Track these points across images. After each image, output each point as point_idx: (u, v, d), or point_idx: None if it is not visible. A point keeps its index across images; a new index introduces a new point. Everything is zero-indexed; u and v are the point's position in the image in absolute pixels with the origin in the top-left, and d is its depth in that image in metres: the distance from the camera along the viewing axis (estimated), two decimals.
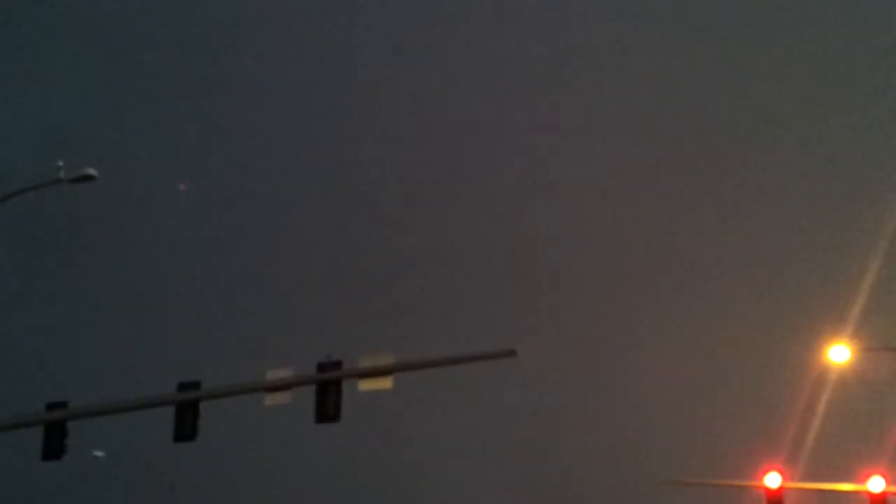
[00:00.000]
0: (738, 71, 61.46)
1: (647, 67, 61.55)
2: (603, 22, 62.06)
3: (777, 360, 48.52)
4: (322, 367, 22.07)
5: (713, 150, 61.87)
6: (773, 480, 32.60)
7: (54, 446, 23.00)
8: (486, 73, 61.80)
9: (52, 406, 23.30)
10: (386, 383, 21.76)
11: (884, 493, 30.76)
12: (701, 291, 59.50)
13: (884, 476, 31.06)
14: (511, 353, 22.26)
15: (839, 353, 30.48)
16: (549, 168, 61.75)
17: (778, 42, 61.75)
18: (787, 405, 43.97)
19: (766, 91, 61.08)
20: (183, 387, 22.81)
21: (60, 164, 22.77)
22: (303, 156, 61.10)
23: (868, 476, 31.20)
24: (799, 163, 60.72)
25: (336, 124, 60.14)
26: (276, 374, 22.33)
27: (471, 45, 61.21)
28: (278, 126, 61.46)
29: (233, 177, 60.66)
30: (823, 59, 60.72)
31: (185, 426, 22.57)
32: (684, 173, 61.69)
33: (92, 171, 22.82)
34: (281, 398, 22.22)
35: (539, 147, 61.91)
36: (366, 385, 21.82)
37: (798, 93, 60.84)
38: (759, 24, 62.01)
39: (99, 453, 36.92)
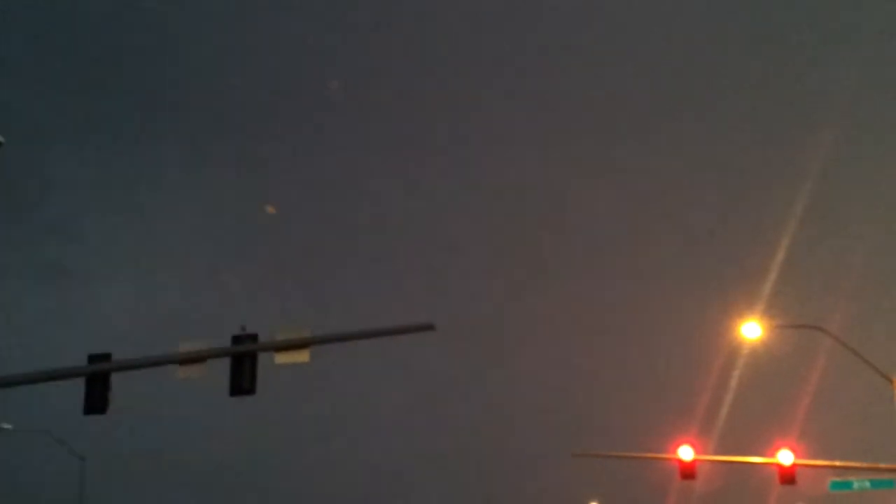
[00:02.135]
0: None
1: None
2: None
3: (690, 337, 49.23)
4: (237, 339, 21.68)
5: (631, 133, 62.29)
6: (686, 453, 33.08)
7: None
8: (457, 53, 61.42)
9: None
10: (303, 356, 21.47)
11: (793, 466, 31.40)
12: (616, 270, 60.05)
13: (793, 449, 31.71)
14: (429, 327, 22.11)
15: (751, 330, 30.91)
16: (460, 141, 61.67)
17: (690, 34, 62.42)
18: (700, 380, 44.67)
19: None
20: (93, 359, 22.25)
21: None
22: (230, 128, 60.21)
23: (778, 449, 31.82)
24: (709, 146, 61.50)
25: (256, 101, 59.27)
26: (189, 346, 21.84)
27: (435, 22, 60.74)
28: (205, 95, 60.34)
29: (157, 147, 59.54)
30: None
31: (96, 398, 22.02)
32: (603, 156, 62.02)
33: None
34: (195, 371, 21.75)
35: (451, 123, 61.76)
36: (282, 358, 21.49)
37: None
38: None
39: (6, 426, 36.11)
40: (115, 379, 22.21)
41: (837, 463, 31.97)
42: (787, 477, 31.49)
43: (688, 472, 33.17)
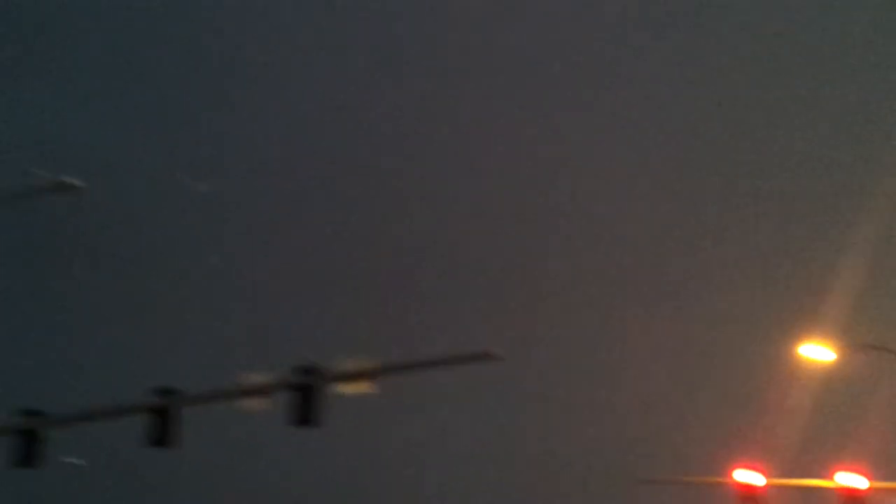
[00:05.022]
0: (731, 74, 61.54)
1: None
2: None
3: (753, 357, 48.66)
4: (301, 370, 21.96)
5: (687, 151, 61.96)
6: (750, 478, 32.72)
7: (27, 454, 22.83)
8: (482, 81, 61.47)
9: (27, 413, 23.12)
10: (367, 387, 21.67)
11: (867, 490, 30.75)
12: (678, 288, 59.59)
13: (862, 473, 31.11)
14: (491, 357, 22.24)
15: (817, 351, 30.60)
16: (532, 169, 61.70)
17: (773, 44, 61.89)
18: (763, 403, 44.13)
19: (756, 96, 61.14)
20: (159, 392, 22.70)
21: (42, 173, 22.55)
22: (286, 160, 60.81)
23: (837, 471, 31.20)
24: (778, 159, 60.74)
25: (319, 132, 59.91)
26: (254, 379, 22.19)
27: (478, 45, 60.93)
28: (268, 132, 61.01)
29: (213, 179, 60.28)
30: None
31: (162, 432, 22.44)
32: (662, 177, 61.72)
33: (76, 182, 22.54)
34: (260, 404, 22.09)
35: (520, 151, 61.83)
36: (346, 388, 21.72)
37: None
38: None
39: (75, 460, 36.67)
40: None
41: None
42: (856, 501, 30.94)
43: (749, 496, 32.81)
